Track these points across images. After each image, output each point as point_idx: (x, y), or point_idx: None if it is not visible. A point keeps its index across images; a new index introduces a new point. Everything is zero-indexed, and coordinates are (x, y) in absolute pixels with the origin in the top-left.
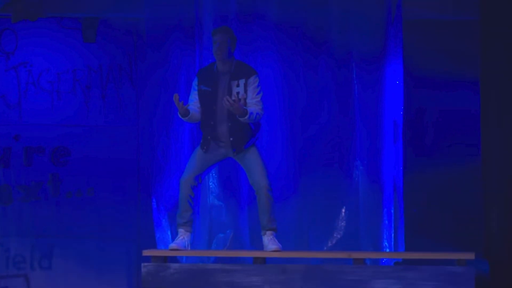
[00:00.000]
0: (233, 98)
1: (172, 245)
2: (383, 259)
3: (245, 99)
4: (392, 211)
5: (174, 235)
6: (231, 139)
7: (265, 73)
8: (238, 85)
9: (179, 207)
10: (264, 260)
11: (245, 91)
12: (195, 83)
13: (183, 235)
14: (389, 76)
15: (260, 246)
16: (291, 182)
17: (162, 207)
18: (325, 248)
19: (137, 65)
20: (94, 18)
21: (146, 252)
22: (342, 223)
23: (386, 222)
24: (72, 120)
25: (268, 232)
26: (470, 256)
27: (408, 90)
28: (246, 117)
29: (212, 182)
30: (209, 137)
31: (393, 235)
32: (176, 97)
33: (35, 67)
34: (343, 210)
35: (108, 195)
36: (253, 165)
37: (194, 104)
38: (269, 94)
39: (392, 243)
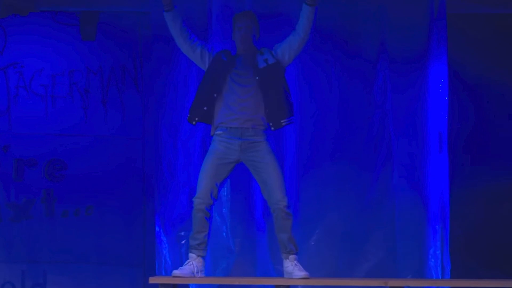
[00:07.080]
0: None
1: (175, 272)
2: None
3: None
4: (439, 230)
5: (181, 260)
6: (267, 110)
7: (293, 73)
8: (262, 53)
9: (192, 227)
10: None
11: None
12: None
13: (193, 260)
14: (432, 79)
15: (266, 273)
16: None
17: (168, 228)
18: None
19: (142, 67)
20: (94, 13)
21: (152, 280)
22: (377, 244)
23: (432, 243)
24: (69, 129)
25: (291, 257)
26: None
27: (454, 94)
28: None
29: (218, 203)
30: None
31: (440, 259)
32: None
33: (27, 69)
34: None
35: (110, 215)
36: (271, 179)
37: (198, 42)
38: (299, 96)
39: (440, 268)
